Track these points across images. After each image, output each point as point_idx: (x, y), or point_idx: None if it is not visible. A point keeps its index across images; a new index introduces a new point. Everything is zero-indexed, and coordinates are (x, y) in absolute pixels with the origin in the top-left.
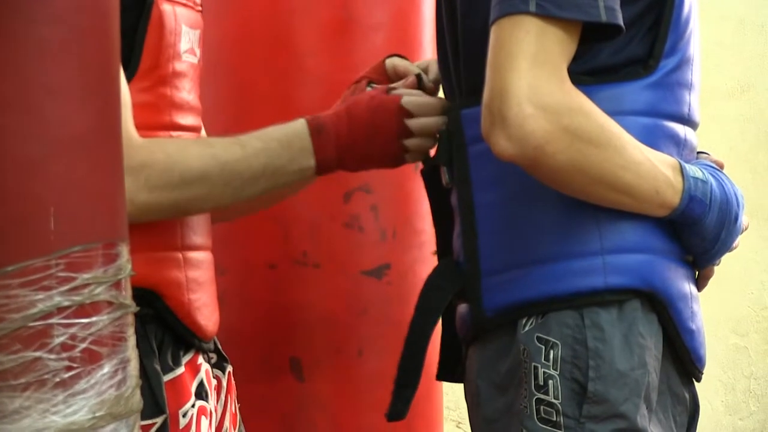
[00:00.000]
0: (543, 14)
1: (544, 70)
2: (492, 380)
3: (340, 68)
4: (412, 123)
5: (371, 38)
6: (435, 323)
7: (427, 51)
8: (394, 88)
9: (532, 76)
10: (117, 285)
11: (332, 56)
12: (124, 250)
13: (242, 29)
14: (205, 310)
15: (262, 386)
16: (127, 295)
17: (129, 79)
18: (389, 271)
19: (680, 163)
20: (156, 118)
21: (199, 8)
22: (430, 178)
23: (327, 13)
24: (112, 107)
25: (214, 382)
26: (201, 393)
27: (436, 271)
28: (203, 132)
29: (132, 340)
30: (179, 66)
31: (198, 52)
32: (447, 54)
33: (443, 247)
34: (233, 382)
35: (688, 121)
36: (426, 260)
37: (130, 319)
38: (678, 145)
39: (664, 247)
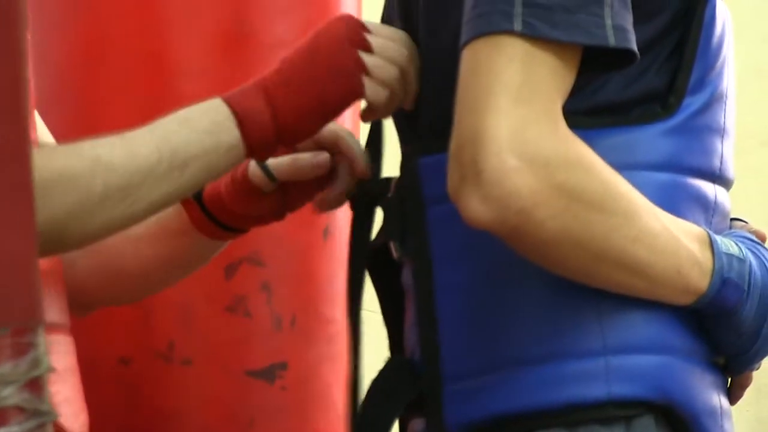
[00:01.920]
0: (531, 35)
1: (531, 110)
2: None
3: None
4: (372, 38)
5: (270, 58)
6: None
7: None
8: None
9: (517, 118)
10: (32, 385)
11: (218, 80)
12: (41, 338)
13: (97, 42)
14: (68, 408)
15: None
16: (45, 399)
17: None
18: (285, 373)
19: (709, 235)
20: None
21: None
22: (376, 256)
23: (213, 25)
24: (18, 121)
25: None
26: None
27: (382, 373)
28: None
29: None
30: None
31: None
32: None
33: (396, 343)
34: None
35: (720, 178)
36: (336, 359)
37: (51, 430)
38: (706, 210)
39: (687, 346)
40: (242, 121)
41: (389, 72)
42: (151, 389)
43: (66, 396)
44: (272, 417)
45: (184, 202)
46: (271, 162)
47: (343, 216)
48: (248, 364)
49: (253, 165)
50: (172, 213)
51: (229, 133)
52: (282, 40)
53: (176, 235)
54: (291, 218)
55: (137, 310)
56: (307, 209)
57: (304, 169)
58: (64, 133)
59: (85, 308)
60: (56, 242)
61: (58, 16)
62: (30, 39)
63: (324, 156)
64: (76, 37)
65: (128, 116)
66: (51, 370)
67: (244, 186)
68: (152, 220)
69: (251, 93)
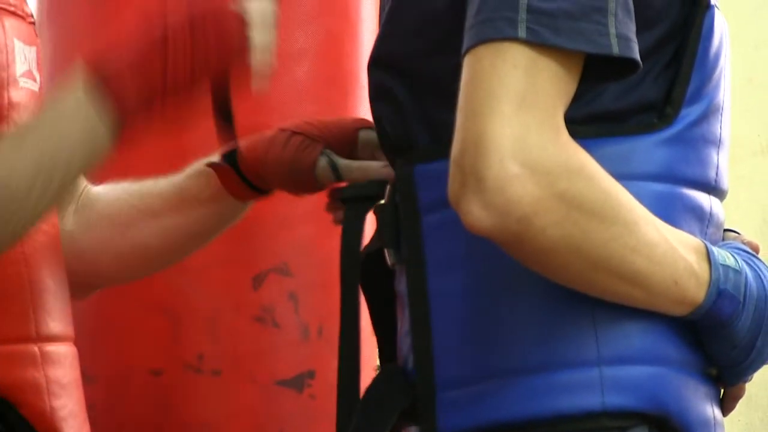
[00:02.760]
0: (536, 42)
1: (534, 117)
2: None
3: (248, 109)
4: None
5: (291, 70)
6: None
7: (364, 89)
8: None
9: (519, 125)
10: None
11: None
12: None
13: None
14: (73, 422)
15: None
16: None
17: None
18: (313, 381)
19: (706, 246)
20: None
21: (32, 20)
22: (368, 262)
23: None
24: None
25: None
26: None
27: (376, 381)
28: None
29: None
30: (16, 95)
31: (38, 76)
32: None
33: (387, 351)
34: None
35: (715, 189)
36: (364, 365)
37: None
38: (701, 221)
39: (681, 357)
40: (116, 121)
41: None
42: (182, 400)
43: (71, 410)
44: (301, 425)
45: (217, 170)
46: (342, 164)
47: (368, 223)
48: (277, 374)
49: (322, 164)
50: (195, 182)
51: (102, 138)
52: (302, 50)
53: (201, 204)
54: (317, 227)
55: (166, 322)
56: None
57: (370, 177)
58: None
59: (91, 288)
60: None
61: (75, 30)
62: (48, 53)
63: (390, 170)
64: (87, 48)
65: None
66: None
67: (305, 177)
68: (171, 191)
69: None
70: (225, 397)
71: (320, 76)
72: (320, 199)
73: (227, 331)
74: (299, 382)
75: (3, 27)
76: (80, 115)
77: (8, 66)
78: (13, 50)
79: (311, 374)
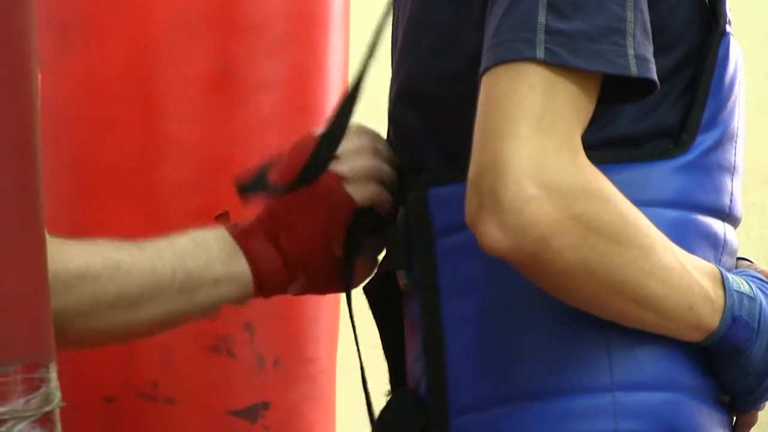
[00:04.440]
0: (554, 63)
1: (552, 139)
2: None
3: (215, 138)
4: (341, 167)
5: (257, 100)
6: None
7: None
8: None
9: (537, 147)
10: (44, 420)
11: (205, 122)
12: (53, 374)
13: (85, 81)
14: None
15: None
16: None
17: None
18: (267, 412)
19: (721, 273)
20: None
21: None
22: (377, 286)
23: (199, 66)
24: (30, 173)
25: None
26: None
27: (388, 406)
28: None
29: None
30: None
31: None
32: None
33: (397, 376)
34: None
35: (729, 216)
36: (319, 398)
37: None
38: (716, 248)
39: (694, 384)
40: (249, 252)
41: (368, 191)
42: (135, 428)
43: None
44: None
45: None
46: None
47: None
48: (231, 404)
49: None
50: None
51: (240, 264)
52: (268, 81)
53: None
54: None
55: (121, 350)
56: None
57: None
58: (55, 169)
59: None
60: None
61: (50, 57)
62: None
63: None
64: (66, 73)
65: (116, 158)
66: (61, 404)
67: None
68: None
69: (254, 233)
70: (178, 426)
71: (286, 107)
72: None
73: (182, 359)
74: (253, 413)
75: None
76: (220, 241)
77: None
78: None
79: (265, 405)
